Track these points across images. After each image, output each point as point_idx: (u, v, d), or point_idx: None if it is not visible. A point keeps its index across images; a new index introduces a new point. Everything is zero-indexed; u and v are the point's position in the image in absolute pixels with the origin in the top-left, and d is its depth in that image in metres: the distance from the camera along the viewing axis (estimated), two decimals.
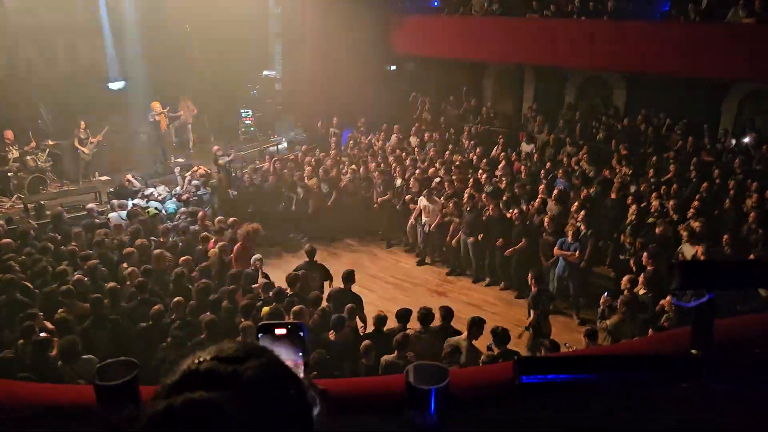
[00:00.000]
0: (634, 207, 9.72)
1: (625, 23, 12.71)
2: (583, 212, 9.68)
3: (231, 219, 10.14)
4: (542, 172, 11.83)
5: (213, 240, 9.43)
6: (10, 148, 12.89)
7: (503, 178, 11.75)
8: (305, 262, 8.93)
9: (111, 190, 12.40)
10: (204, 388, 0.78)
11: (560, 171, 11.61)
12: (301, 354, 1.22)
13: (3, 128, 12.97)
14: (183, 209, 11.10)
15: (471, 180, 11.63)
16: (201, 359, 0.84)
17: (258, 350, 0.88)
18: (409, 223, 11.92)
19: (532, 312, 8.32)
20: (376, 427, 1.40)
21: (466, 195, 10.97)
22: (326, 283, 8.88)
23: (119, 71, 15.14)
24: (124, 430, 1.37)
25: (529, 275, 8.78)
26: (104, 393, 1.40)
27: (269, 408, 0.80)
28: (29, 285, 7.63)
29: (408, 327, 7.03)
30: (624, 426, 1.47)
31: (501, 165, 12.48)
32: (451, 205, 11.08)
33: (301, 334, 1.23)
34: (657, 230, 9.18)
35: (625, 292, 7.87)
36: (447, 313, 7.20)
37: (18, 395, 1.65)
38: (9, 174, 12.75)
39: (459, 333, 6.92)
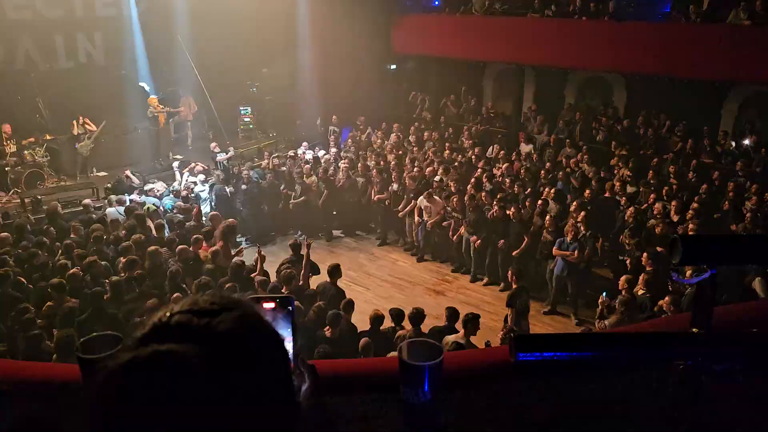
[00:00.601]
0: (632, 209, 9.70)
1: (626, 24, 12.70)
2: (583, 213, 9.65)
3: (211, 214, 10.16)
4: (542, 172, 11.78)
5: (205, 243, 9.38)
6: (8, 142, 12.84)
7: (504, 178, 11.73)
8: (291, 256, 8.97)
9: (108, 185, 12.36)
10: (174, 342, 0.73)
11: (560, 173, 11.59)
12: (290, 329, 1.19)
13: (1, 122, 12.92)
14: (178, 203, 11.06)
15: (472, 179, 11.61)
16: (172, 311, 0.79)
17: (233, 303, 0.81)
18: (407, 221, 11.91)
19: (509, 310, 8.19)
20: (371, 406, 1.37)
21: (468, 194, 10.95)
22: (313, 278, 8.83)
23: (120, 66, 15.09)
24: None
25: (509, 272, 8.83)
26: (87, 366, 1.36)
27: (243, 363, 0.75)
28: (23, 280, 7.60)
29: (402, 326, 7.02)
30: (621, 406, 1.45)
31: (500, 164, 12.47)
32: (454, 201, 11.06)
33: (290, 308, 1.20)
34: (657, 231, 9.17)
35: (623, 293, 7.86)
36: (452, 313, 7.20)
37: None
38: (6, 168, 12.69)
39: (458, 332, 6.90)
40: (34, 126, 13.60)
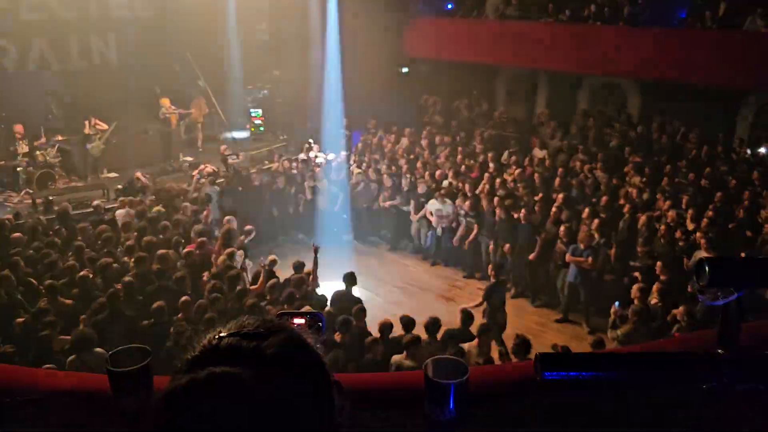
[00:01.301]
0: (644, 217, 9.64)
1: (641, 30, 12.64)
2: (596, 221, 9.60)
3: (210, 216, 10.20)
4: (557, 180, 11.68)
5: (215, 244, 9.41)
6: (20, 142, 12.93)
7: (516, 183, 11.70)
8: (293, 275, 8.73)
9: (119, 187, 12.43)
10: (226, 364, 0.78)
11: (574, 180, 11.54)
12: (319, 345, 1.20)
13: (13, 122, 13.02)
14: (186, 204, 11.09)
15: (485, 184, 11.60)
16: (222, 335, 0.84)
17: (279, 326, 0.87)
18: (414, 226, 11.92)
19: (485, 302, 8.52)
20: (394, 422, 1.37)
21: (484, 198, 10.96)
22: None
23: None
24: (136, 416, 1.35)
25: (489, 267, 9.09)
26: (117, 379, 1.37)
27: (291, 385, 0.79)
28: (33, 281, 7.66)
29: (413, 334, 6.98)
30: (646, 425, 1.44)
31: (512, 170, 12.43)
32: (467, 205, 11.03)
33: (320, 324, 1.22)
34: (664, 239, 9.11)
35: (636, 302, 7.80)
36: (466, 317, 7.16)
37: (25, 380, 1.63)
38: (18, 169, 12.80)
39: (473, 338, 6.87)
40: (45, 127, 13.72)
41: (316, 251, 8.43)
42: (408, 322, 6.95)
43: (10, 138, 13.01)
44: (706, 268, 1.20)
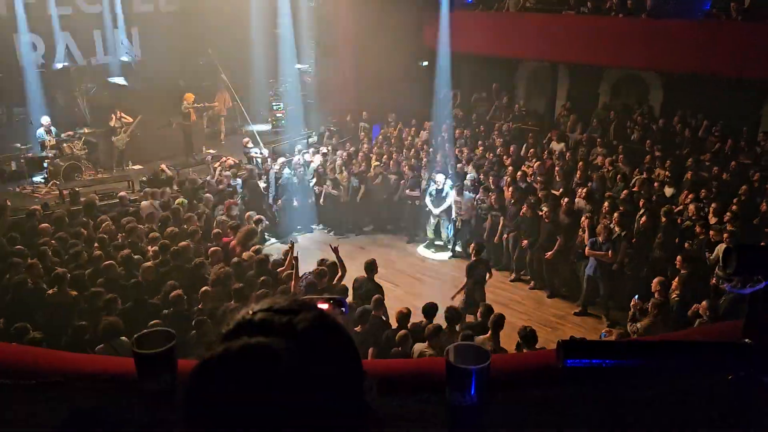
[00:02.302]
0: (665, 210, 9.52)
1: (665, 22, 12.44)
2: (616, 214, 9.52)
3: (247, 214, 10.28)
4: (579, 173, 11.58)
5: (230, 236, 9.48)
6: (48, 135, 13.17)
7: (536, 177, 11.64)
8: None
9: (144, 178, 12.59)
10: (260, 336, 0.80)
11: (594, 174, 11.44)
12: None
13: (41, 116, 13.27)
14: (208, 195, 11.20)
15: (507, 177, 11.56)
16: (255, 310, 0.85)
17: (309, 304, 0.89)
18: (432, 219, 11.94)
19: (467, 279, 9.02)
20: (415, 408, 1.38)
21: (506, 191, 11.01)
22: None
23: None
24: (161, 398, 1.37)
25: (471, 246, 9.45)
26: (143, 361, 1.40)
27: (322, 359, 0.81)
28: (60, 271, 7.80)
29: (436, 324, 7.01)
30: (669, 415, 1.43)
31: (532, 162, 12.36)
32: (493, 199, 11.03)
33: (343, 309, 1.23)
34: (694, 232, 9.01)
35: (656, 295, 7.73)
36: (487, 310, 7.19)
37: (53, 362, 1.66)
38: (46, 161, 13.05)
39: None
40: (73, 119, 13.93)
41: (336, 251, 8.32)
42: (431, 308, 7.08)
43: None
44: (734, 256, 1.18)
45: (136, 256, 8.35)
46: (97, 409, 1.40)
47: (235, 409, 0.74)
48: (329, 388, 0.80)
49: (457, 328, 6.97)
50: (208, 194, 11.24)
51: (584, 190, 10.59)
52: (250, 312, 0.85)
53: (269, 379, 0.75)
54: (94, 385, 1.47)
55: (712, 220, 9.12)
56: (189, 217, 9.87)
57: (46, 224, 9.25)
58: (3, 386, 1.49)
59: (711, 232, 8.67)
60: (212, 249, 8.67)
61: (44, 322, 6.73)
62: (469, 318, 7.88)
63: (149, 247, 8.71)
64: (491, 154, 13.24)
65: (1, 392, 1.48)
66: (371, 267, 8.18)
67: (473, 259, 9.21)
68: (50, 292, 7.17)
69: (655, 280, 7.95)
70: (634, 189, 10.57)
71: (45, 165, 13.00)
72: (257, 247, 9.12)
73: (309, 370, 0.78)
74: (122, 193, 11.25)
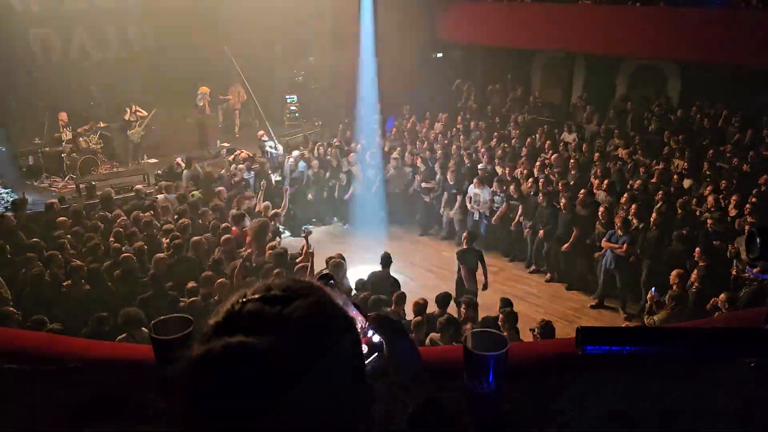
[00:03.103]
0: (683, 202, 9.43)
1: (683, 10, 12.27)
2: (634, 206, 9.43)
3: (245, 206, 10.29)
4: (598, 166, 11.46)
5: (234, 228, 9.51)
6: (64, 129, 13.30)
7: (553, 168, 11.56)
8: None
9: (159, 172, 12.67)
10: (246, 332, 0.75)
11: (611, 164, 11.34)
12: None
13: (58, 110, 13.39)
14: (221, 189, 11.25)
15: (523, 169, 11.48)
16: (246, 299, 0.81)
17: (307, 289, 0.83)
18: (444, 212, 11.96)
19: (459, 267, 9.09)
20: (432, 395, 1.38)
21: (524, 182, 10.97)
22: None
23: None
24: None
25: (464, 235, 9.41)
26: (161, 347, 1.41)
27: (316, 353, 0.76)
28: (78, 262, 7.88)
29: (450, 314, 7.02)
30: (689, 402, 1.41)
31: (548, 154, 12.27)
32: (512, 189, 10.99)
33: (331, 282, 1.20)
34: (708, 224, 8.91)
35: (674, 287, 7.66)
36: (505, 303, 7.19)
37: (72, 349, 1.68)
38: (62, 155, 13.18)
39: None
40: (88, 114, 14.04)
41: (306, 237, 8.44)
42: (444, 297, 7.16)
43: (55, 125, 13.42)
44: (758, 240, 1.16)
45: (151, 249, 8.43)
46: (115, 394, 1.41)
47: (220, 413, 0.71)
48: (323, 382, 0.75)
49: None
50: (221, 188, 11.29)
51: (605, 182, 10.50)
52: (241, 301, 0.80)
53: (253, 382, 0.71)
54: (113, 371, 1.49)
55: (732, 212, 9.00)
56: (204, 211, 9.93)
57: (64, 218, 9.34)
58: (23, 372, 1.50)
59: (735, 223, 8.59)
60: (224, 237, 8.73)
61: (62, 314, 6.80)
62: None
63: (164, 240, 8.79)
64: (507, 146, 13.16)
65: (22, 377, 1.49)
66: (387, 260, 8.18)
67: (464, 246, 9.16)
68: (66, 284, 7.24)
69: (674, 272, 7.85)
70: (652, 181, 10.49)
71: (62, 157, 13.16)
72: (273, 243, 9.11)
73: (300, 365, 0.74)
74: (138, 186, 11.33)
